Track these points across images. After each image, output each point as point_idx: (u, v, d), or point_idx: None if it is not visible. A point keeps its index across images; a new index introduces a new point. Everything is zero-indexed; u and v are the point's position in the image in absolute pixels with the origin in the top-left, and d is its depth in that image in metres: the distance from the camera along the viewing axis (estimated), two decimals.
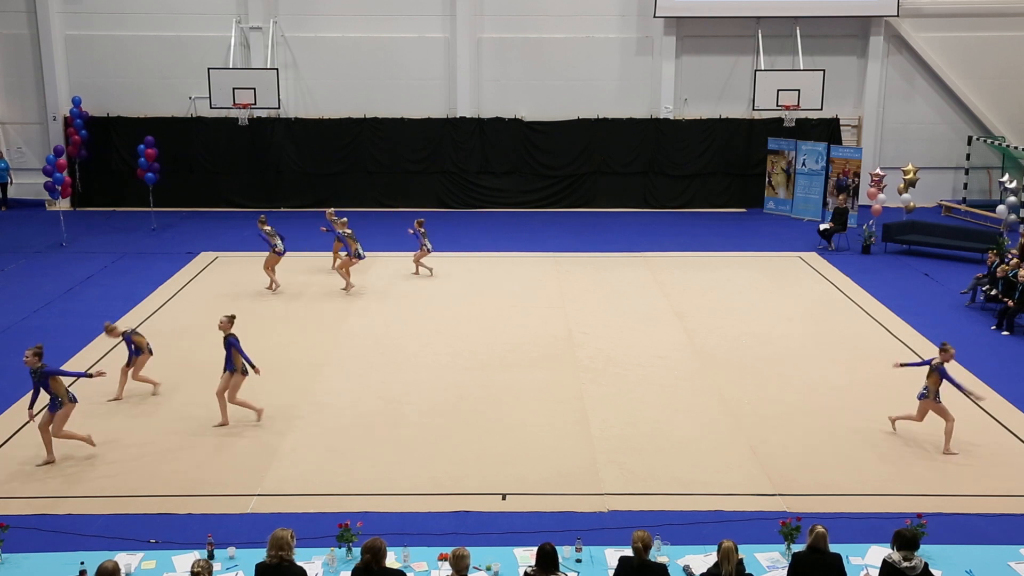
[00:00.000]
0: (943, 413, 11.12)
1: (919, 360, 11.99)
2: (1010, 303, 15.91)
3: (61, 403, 10.74)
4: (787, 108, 24.08)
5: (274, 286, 17.80)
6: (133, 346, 12.74)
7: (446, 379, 13.49)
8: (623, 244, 21.68)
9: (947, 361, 11.12)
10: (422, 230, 18.65)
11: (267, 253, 17.75)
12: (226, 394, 11.82)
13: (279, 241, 17.59)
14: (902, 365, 11.97)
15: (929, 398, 11.15)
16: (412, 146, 25.28)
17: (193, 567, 7.24)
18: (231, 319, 11.93)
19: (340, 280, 17.99)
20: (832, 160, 23.83)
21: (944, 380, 11.07)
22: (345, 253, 17.92)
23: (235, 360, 11.72)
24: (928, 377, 11.17)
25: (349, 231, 17.76)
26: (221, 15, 24.76)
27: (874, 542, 8.94)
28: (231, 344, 11.70)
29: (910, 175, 22.43)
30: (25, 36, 24.95)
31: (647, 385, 13.31)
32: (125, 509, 9.81)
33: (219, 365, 13.69)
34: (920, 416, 11.38)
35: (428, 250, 18.67)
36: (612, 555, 8.65)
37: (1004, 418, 12.21)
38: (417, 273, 18.86)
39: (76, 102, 24.39)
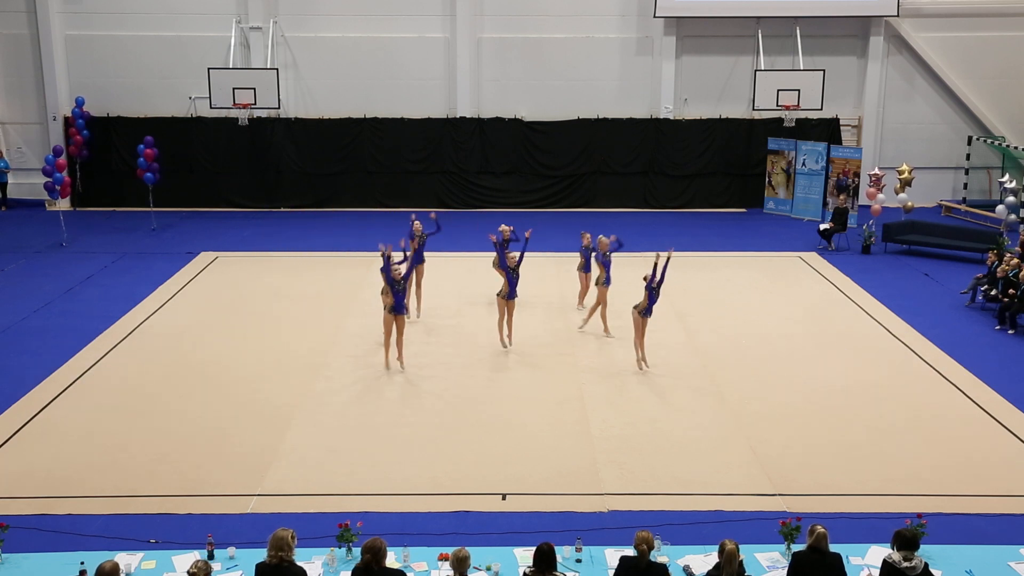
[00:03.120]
0: (639, 332, 13.71)
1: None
2: (1004, 298, 15.99)
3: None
4: (787, 108, 24.06)
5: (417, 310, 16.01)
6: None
7: (446, 379, 13.49)
8: (623, 244, 21.58)
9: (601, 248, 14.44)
10: (587, 237, 16.11)
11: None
12: None
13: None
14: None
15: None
16: (412, 146, 25.25)
17: (191, 568, 7.23)
18: None
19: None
20: (832, 160, 23.81)
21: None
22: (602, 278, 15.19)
23: None
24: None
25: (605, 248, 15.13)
26: (221, 15, 24.73)
27: (874, 542, 8.93)
28: None
29: (904, 175, 22.43)
30: (25, 36, 24.92)
31: (647, 385, 13.31)
32: (125, 509, 9.81)
33: (218, 365, 13.81)
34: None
35: (600, 273, 15.32)
36: (612, 555, 8.64)
37: (1004, 418, 12.21)
38: (581, 305, 16.51)
39: (80, 102, 24.37)
